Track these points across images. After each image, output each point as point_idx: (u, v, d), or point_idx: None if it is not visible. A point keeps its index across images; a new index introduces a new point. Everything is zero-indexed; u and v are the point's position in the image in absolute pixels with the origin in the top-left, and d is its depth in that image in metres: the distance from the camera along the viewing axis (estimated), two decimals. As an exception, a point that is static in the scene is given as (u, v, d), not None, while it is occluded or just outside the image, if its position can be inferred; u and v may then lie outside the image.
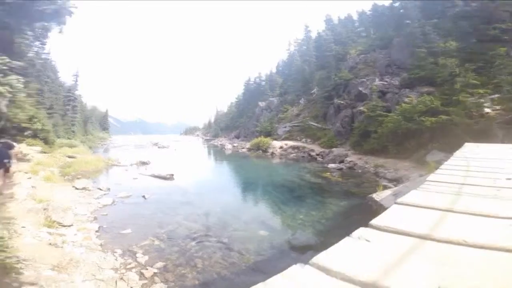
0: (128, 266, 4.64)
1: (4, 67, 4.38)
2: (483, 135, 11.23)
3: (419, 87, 18.42)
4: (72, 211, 7.42)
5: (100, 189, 10.74)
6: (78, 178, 12.29)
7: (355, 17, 48.59)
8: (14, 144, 10.81)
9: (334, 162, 17.42)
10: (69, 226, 6.33)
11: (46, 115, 32.23)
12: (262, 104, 45.34)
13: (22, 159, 13.13)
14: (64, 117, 41.67)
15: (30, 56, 14.74)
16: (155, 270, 4.57)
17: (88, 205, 8.43)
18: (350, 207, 8.48)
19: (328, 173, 14.38)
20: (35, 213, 6.61)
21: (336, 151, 19.49)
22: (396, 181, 11.59)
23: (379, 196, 7.48)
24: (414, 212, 1.76)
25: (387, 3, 38.20)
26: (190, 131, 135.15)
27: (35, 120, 17.36)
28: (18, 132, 16.31)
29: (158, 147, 39.78)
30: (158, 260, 4.94)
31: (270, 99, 45.71)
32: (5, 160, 8.46)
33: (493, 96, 14.17)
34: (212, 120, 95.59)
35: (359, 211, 7.89)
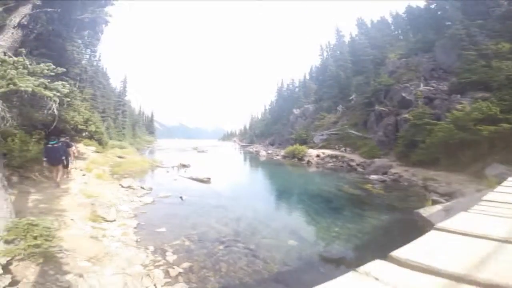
0: (157, 264, 4.77)
1: (52, 73, 4.89)
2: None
3: (472, 93, 16.46)
4: (116, 208, 7.89)
5: (143, 188, 11.39)
6: (124, 177, 13.22)
7: (389, 20, 45.99)
8: (72, 143, 12.12)
9: (377, 174, 16.24)
10: (111, 221, 6.75)
11: (100, 119, 35.87)
12: (296, 111, 44.75)
13: (78, 157, 14.66)
14: (116, 121, 45.90)
15: (82, 63, 16.38)
16: (181, 270, 4.64)
17: (131, 202, 8.98)
18: (392, 222, 7.75)
19: (369, 185, 13.45)
20: (83, 207, 7.15)
21: (378, 161, 18.19)
22: (449, 196, 10.38)
23: (427, 211, 6.71)
24: (457, 241, 1.34)
25: (421, 4, 35.63)
26: (227, 137, 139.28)
27: (90, 122, 19.18)
28: (76, 133, 18.30)
29: (198, 151, 41.51)
30: (186, 260, 5.03)
31: (305, 106, 44.87)
32: (63, 157, 9.55)
33: None
34: (248, 126, 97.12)
35: (402, 227, 7.22)
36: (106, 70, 50.36)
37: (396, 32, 43.38)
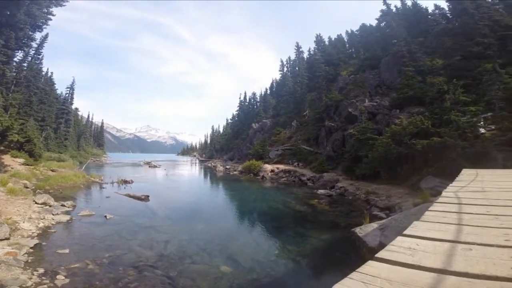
0: (40, 287, 4.34)
1: None
2: (480, 158, 10.37)
3: (409, 107, 17.76)
4: (15, 226, 7.13)
5: (64, 206, 10.44)
6: (48, 193, 12.11)
7: (345, 38, 48.60)
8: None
9: (325, 188, 16.46)
10: (1, 240, 6.04)
11: (37, 127, 31.72)
12: (255, 125, 45.05)
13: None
14: (57, 131, 41.25)
15: (5, 66, 14.27)
16: (68, 296, 4.08)
17: (40, 220, 8.15)
18: (333, 242, 7.53)
19: (316, 200, 13.40)
20: (-39, 224, 6.05)
21: (326, 176, 18.55)
22: (389, 209, 10.70)
23: (363, 230, 6.46)
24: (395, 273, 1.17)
25: (374, 22, 38.26)
26: (187, 151, 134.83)
27: (13, 131, 16.54)
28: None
29: (149, 166, 39.54)
30: (80, 285, 4.54)
31: (264, 120, 45.36)
32: None
33: (486, 115, 13.51)
34: (208, 141, 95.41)
35: (341, 247, 6.99)
36: (51, 74, 45.41)
37: (350, 50, 45.97)
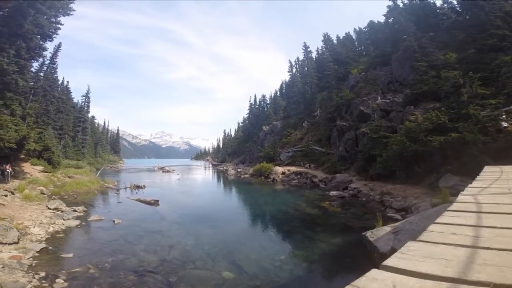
0: None
1: None
2: (504, 154, 9.64)
3: (424, 103, 17.01)
4: (26, 230, 7.32)
5: (75, 211, 10.67)
6: (63, 198, 12.60)
7: (353, 36, 47.52)
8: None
9: (337, 189, 15.94)
10: (9, 244, 6.16)
11: (55, 136, 32.90)
12: (265, 128, 44.74)
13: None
14: (75, 139, 42.67)
15: (14, 76, 14.68)
16: (65, 300, 4.07)
17: (50, 225, 8.30)
18: (343, 247, 7.14)
19: (327, 203, 12.96)
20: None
21: (339, 177, 18.01)
22: (405, 211, 10.17)
23: (374, 234, 6.06)
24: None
25: (382, 19, 37.54)
26: (200, 156, 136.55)
27: (30, 140, 17.06)
28: (12, 151, 16.17)
29: (163, 172, 40.05)
30: None
31: (274, 123, 44.98)
32: None
33: (508, 108, 12.63)
34: (221, 145, 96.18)
35: (352, 252, 6.60)
36: (67, 83, 46.93)
37: (359, 48, 45.08)
